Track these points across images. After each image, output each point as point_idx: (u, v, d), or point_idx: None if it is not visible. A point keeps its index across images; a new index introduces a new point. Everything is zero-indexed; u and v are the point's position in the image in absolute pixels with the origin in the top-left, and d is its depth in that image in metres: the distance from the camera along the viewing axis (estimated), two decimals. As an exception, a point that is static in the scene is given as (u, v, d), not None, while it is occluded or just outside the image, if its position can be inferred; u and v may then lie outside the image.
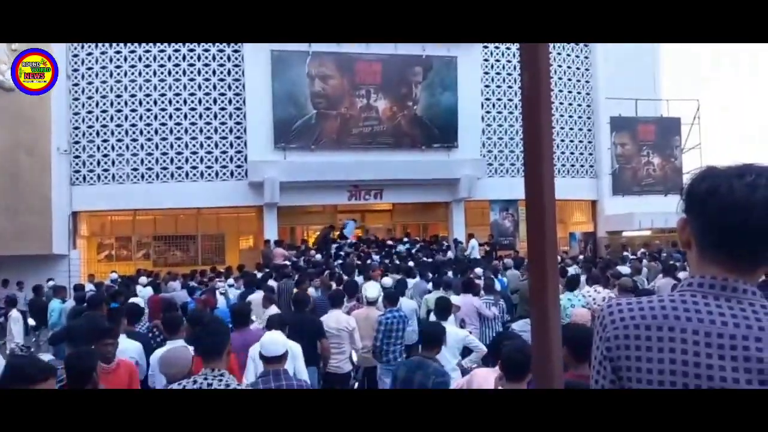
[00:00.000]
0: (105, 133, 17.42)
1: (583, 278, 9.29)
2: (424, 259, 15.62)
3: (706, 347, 1.13)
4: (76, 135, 17.33)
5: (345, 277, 10.85)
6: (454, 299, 7.52)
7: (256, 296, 8.86)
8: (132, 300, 7.70)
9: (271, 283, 10.57)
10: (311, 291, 9.93)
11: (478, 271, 11.14)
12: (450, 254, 16.95)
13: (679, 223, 1.28)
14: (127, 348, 5.29)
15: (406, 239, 18.51)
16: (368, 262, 14.56)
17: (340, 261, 15.25)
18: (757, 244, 1.16)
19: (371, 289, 7.44)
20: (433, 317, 6.35)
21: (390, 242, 18.12)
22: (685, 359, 1.14)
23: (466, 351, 6.13)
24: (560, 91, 21.30)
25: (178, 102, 17.73)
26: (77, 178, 17.33)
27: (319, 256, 15.63)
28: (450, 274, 11.74)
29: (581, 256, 17.65)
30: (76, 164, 17.34)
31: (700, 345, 1.14)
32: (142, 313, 7.08)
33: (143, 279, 12.75)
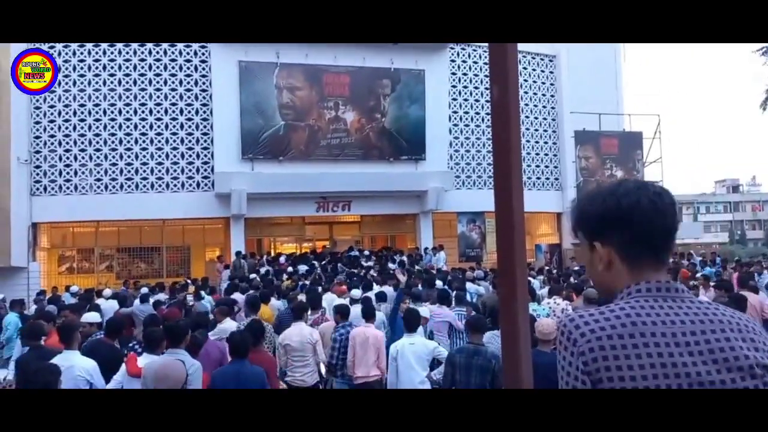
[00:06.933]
0: (67, 143, 17.07)
1: (545, 290, 9.63)
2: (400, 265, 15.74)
3: (677, 347, 1.20)
4: (37, 144, 16.94)
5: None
6: (423, 311, 7.55)
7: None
8: (89, 315, 7.23)
9: (237, 296, 10.46)
10: (277, 303, 9.86)
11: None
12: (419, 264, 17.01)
13: (598, 253, 1.35)
14: (78, 365, 4.78)
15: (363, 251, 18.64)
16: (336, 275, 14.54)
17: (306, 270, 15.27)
18: (670, 244, 1.33)
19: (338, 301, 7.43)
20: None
21: (356, 253, 18.16)
22: (663, 362, 1.19)
23: (435, 363, 6.14)
24: (526, 104, 21.64)
25: (143, 111, 17.48)
26: (38, 189, 16.92)
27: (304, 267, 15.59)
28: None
29: (546, 268, 17.90)
30: (37, 174, 16.93)
31: (671, 346, 1.20)
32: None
33: (107, 291, 12.34)
